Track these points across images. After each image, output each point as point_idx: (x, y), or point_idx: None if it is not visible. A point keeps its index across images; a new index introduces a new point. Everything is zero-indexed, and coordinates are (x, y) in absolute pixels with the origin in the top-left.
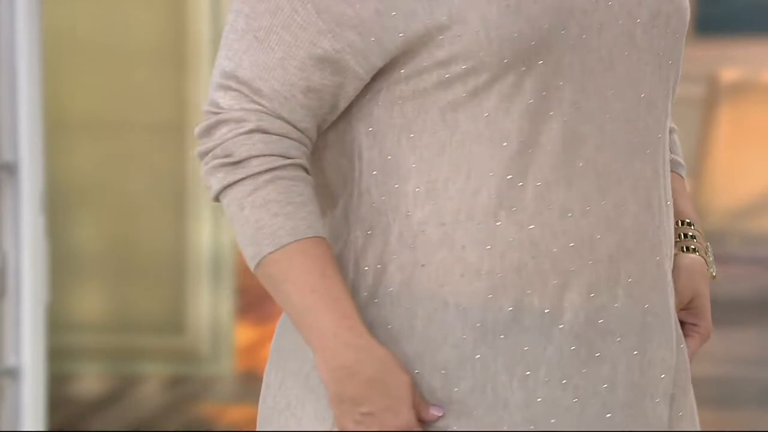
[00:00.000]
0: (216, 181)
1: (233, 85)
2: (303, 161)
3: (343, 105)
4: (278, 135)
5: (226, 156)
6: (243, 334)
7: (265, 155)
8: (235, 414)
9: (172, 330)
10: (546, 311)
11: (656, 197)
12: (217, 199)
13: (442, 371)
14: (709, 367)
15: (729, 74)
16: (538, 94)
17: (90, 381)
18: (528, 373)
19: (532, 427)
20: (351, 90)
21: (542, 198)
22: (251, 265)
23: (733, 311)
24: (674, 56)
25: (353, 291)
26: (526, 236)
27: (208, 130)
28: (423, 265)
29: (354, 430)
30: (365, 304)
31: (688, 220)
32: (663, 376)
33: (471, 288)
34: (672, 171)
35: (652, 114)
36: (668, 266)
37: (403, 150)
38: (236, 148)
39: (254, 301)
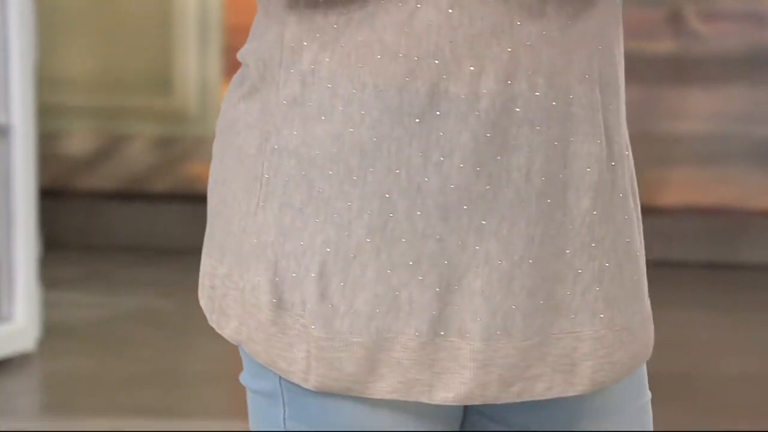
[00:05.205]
0: None
1: None
2: None
3: None
4: None
5: None
6: None
7: None
8: None
9: (159, 90)
10: (462, 97)
11: None
12: None
13: (359, 150)
14: (698, 124)
15: None
16: None
17: (79, 139)
18: (442, 158)
19: (443, 213)
20: None
21: None
22: None
23: (722, 67)
24: None
25: (279, 65)
26: (445, 20)
27: None
28: (343, 45)
29: None
30: (285, 79)
31: None
32: (588, 169)
33: (389, 70)
34: None
35: None
36: (603, 59)
37: None
38: None
39: None
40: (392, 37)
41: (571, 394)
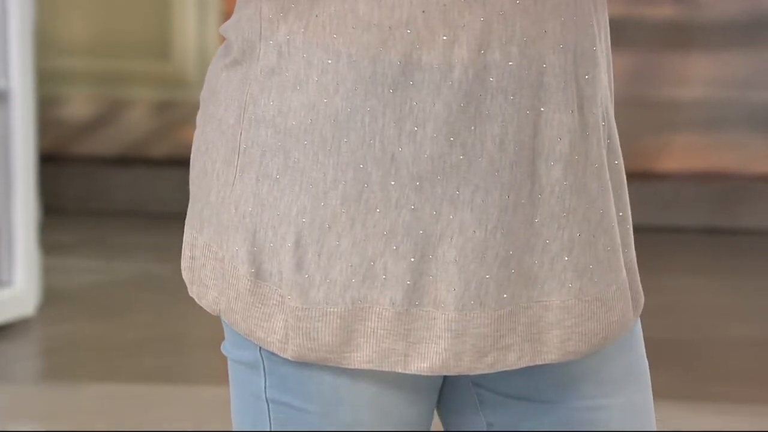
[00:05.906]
0: None
1: None
2: None
3: None
4: None
5: None
6: None
7: None
8: None
9: (158, 55)
10: (435, 66)
11: None
12: None
13: (333, 120)
14: (698, 90)
15: None
16: None
17: (78, 104)
18: (416, 128)
19: (417, 183)
20: None
21: None
22: None
23: (722, 33)
24: None
25: (258, 38)
26: None
27: None
28: (317, 15)
29: None
30: (264, 51)
31: None
32: (560, 138)
33: (362, 40)
34: None
35: None
36: (578, 28)
37: None
38: None
39: None
40: (365, 7)
41: (539, 362)
